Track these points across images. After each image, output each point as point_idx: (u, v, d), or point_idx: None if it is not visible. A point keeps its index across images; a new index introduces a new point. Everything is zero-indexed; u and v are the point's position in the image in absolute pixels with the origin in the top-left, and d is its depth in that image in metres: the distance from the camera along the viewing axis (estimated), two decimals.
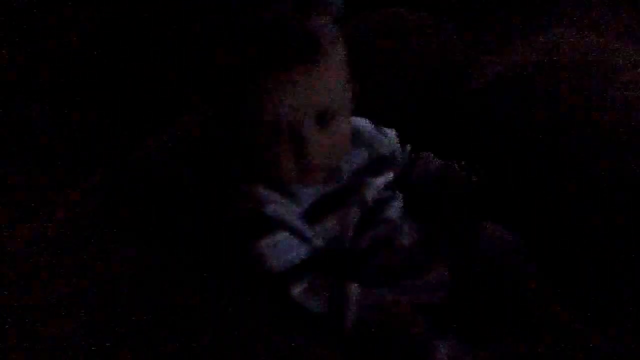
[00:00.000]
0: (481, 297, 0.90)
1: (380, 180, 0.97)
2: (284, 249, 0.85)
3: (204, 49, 0.96)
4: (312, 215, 0.90)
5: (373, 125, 1.04)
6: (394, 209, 0.97)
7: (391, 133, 1.06)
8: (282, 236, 0.86)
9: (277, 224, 0.86)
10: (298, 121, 0.85)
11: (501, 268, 0.92)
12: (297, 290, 0.84)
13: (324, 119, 0.86)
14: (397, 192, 0.99)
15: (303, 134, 0.85)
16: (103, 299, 0.81)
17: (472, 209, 1.03)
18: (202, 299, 0.83)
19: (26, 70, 1.41)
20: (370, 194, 0.95)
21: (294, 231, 0.87)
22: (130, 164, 1.02)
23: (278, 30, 0.84)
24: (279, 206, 0.87)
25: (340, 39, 0.89)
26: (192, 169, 0.98)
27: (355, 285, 0.85)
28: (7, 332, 0.77)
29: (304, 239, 0.88)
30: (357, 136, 0.99)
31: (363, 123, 1.03)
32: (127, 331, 0.77)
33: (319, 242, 0.89)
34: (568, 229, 0.99)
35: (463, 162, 1.06)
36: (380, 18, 1.24)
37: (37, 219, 0.94)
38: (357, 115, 1.00)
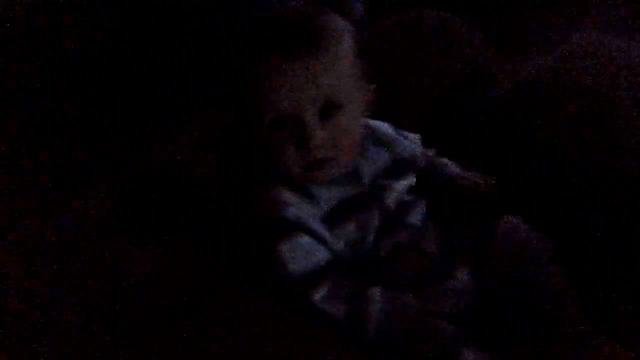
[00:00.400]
0: (503, 303, 0.89)
1: (402, 184, 0.97)
2: (303, 253, 0.85)
3: (212, 41, 0.96)
4: (333, 218, 0.89)
5: (394, 129, 1.04)
6: (417, 214, 0.96)
7: (414, 137, 1.05)
8: (302, 240, 0.85)
9: (297, 227, 0.86)
10: (300, 113, 0.85)
11: (521, 264, 0.91)
12: (318, 295, 0.83)
13: (327, 112, 0.86)
14: (419, 196, 0.99)
15: (305, 125, 0.85)
16: (115, 303, 0.81)
17: (490, 210, 1.02)
18: (220, 304, 0.83)
19: (36, 72, 1.42)
20: (391, 198, 0.94)
21: (314, 234, 0.86)
22: (149, 167, 1.02)
23: (282, 22, 0.86)
24: (299, 209, 0.87)
25: (350, 36, 0.90)
26: (212, 171, 0.98)
27: (377, 289, 0.85)
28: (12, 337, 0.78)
29: (324, 242, 0.87)
30: (377, 138, 0.99)
31: (384, 126, 1.03)
32: (138, 335, 0.78)
33: (339, 245, 0.89)
34: (591, 234, 0.99)
35: (477, 173, 1.05)
36: (406, 20, 1.23)
37: (47, 222, 0.94)
38: (378, 119, 1.01)
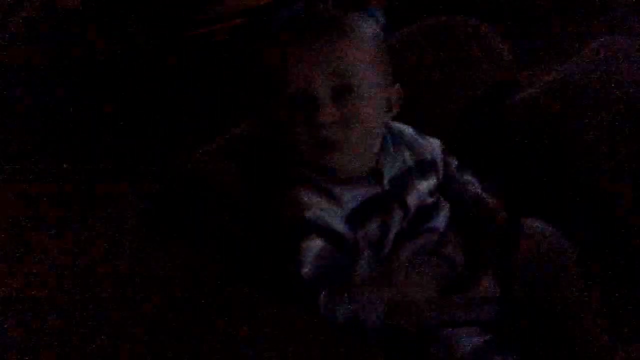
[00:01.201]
0: (529, 310, 0.89)
1: (424, 185, 0.97)
2: (319, 256, 0.85)
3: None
4: (356, 218, 0.90)
5: (417, 132, 1.04)
6: (440, 219, 0.96)
7: (435, 142, 1.05)
8: (320, 242, 0.86)
9: (317, 229, 0.86)
10: (312, 90, 0.87)
11: (547, 271, 0.90)
12: (322, 298, 0.83)
13: (340, 94, 0.88)
14: (442, 201, 0.98)
15: (316, 102, 0.87)
16: (149, 301, 0.83)
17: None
18: (245, 307, 0.83)
19: (73, 76, 1.44)
20: (412, 198, 0.94)
21: (335, 236, 0.87)
22: (175, 172, 1.03)
23: (305, 11, 0.92)
24: (321, 210, 0.87)
25: (372, 30, 0.93)
26: (235, 177, 0.99)
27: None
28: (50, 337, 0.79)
29: (345, 243, 0.87)
30: (400, 139, 0.99)
31: (407, 128, 1.03)
32: (166, 339, 0.79)
33: (361, 246, 0.89)
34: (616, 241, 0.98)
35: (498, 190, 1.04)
36: (430, 26, 1.23)
37: (80, 226, 0.96)
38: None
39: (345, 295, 0.84)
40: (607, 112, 1.07)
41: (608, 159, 1.03)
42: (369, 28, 0.93)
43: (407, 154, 0.99)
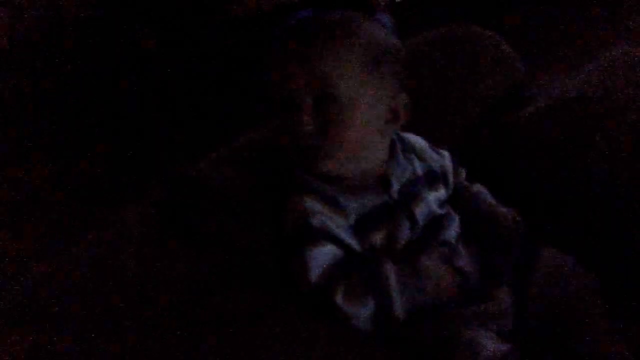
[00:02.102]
0: (545, 336, 0.87)
1: (433, 195, 0.95)
2: (326, 261, 0.84)
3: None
4: (362, 227, 0.88)
5: (426, 142, 1.02)
6: (451, 231, 0.94)
7: (445, 153, 1.03)
8: (326, 248, 0.84)
9: (322, 235, 0.85)
10: (295, 97, 0.86)
11: (565, 301, 0.89)
12: (338, 297, 0.82)
13: (323, 102, 0.87)
14: (453, 212, 0.97)
15: (301, 110, 0.86)
16: (158, 307, 0.82)
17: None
18: (253, 315, 0.82)
19: (85, 86, 1.44)
20: (420, 209, 0.92)
21: (339, 243, 0.85)
22: (180, 179, 1.02)
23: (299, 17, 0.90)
24: (326, 218, 0.86)
25: (369, 39, 0.90)
26: (243, 182, 0.98)
27: (389, 265, 0.84)
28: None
29: (349, 251, 0.86)
30: (409, 149, 0.98)
31: (416, 138, 1.02)
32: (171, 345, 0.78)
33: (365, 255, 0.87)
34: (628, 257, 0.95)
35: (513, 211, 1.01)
36: (438, 35, 1.21)
37: (84, 233, 0.95)
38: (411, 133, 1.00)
39: (364, 290, 0.82)
40: (625, 124, 1.05)
41: (626, 173, 1.01)
42: (368, 34, 0.90)
43: (417, 164, 0.97)
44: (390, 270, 0.84)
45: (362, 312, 0.82)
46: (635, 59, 1.17)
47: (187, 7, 1.53)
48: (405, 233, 0.90)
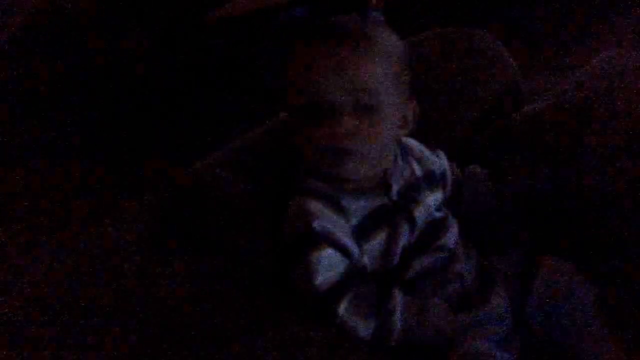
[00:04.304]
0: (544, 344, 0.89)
1: (431, 199, 0.96)
2: (328, 266, 0.84)
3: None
4: (363, 230, 0.89)
5: (423, 145, 1.03)
6: (450, 236, 0.94)
7: (441, 153, 1.04)
8: (328, 252, 0.85)
9: (324, 240, 0.85)
10: (334, 100, 0.86)
11: (564, 309, 0.90)
12: (341, 308, 0.83)
13: (361, 108, 0.87)
14: (452, 217, 0.97)
15: (337, 112, 0.86)
16: (153, 314, 0.82)
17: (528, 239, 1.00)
18: (252, 319, 0.82)
19: (82, 86, 1.43)
20: (419, 211, 0.93)
21: (340, 247, 0.86)
22: (178, 183, 1.01)
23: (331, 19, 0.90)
24: (328, 221, 0.86)
25: (395, 47, 0.92)
26: (243, 186, 0.97)
27: (399, 297, 0.85)
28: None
29: (350, 256, 0.86)
30: (408, 152, 0.99)
31: (414, 142, 1.02)
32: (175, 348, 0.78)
33: (365, 260, 0.88)
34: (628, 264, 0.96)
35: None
36: (434, 37, 1.21)
37: (82, 239, 0.94)
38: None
39: (369, 310, 0.84)
40: (617, 126, 1.06)
41: (619, 175, 1.02)
42: (394, 43, 0.93)
43: (415, 166, 0.98)
44: (398, 302, 0.85)
45: (361, 329, 0.84)
46: (629, 62, 1.18)
47: (180, 6, 1.52)
48: (404, 235, 0.90)
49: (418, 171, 0.97)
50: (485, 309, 0.88)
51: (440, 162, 1.02)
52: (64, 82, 1.46)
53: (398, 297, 0.86)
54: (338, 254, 0.85)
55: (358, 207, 0.90)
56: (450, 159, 1.05)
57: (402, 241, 0.90)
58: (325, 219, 0.86)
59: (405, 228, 0.91)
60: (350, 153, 0.88)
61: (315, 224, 0.86)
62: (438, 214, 0.96)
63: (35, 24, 1.57)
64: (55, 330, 0.81)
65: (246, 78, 1.47)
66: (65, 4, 1.50)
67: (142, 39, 1.50)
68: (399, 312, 0.84)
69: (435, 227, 0.94)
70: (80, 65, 1.47)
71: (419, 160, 0.99)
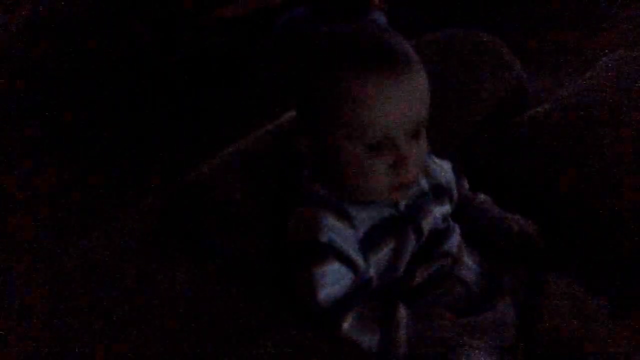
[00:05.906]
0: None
1: (439, 210, 0.94)
2: (334, 280, 0.83)
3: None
4: (369, 241, 0.87)
5: (428, 155, 1.00)
6: (452, 242, 0.93)
7: (446, 164, 1.02)
8: (334, 266, 0.83)
9: (330, 252, 0.84)
10: (397, 134, 0.82)
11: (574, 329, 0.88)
12: (346, 324, 0.82)
13: (417, 132, 0.84)
14: (454, 223, 0.96)
15: (402, 148, 0.82)
16: (154, 317, 0.82)
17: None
18: (253, 322, 0.83)
19: (82, 86, 1.42)
20: (427, 223, 0.92)
21: (346, 260, 0.84)
22: (180, 187, 1.00)
23: (371, 45, 0.83)
24: (335, 232, 0.85)
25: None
26: (246, 187, 0.96)
27: (404, 312, 0.84)
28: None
29: (356, 268, 0.85)
30: None
31: None
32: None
33: (371, 272, 0.87)
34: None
35: (519, 217, 1.00)
36: (438, 39, 1.20)
37: (84, 242, 0.94)
38: None
39: (373, 325, 0.83)
40: (623, 129, 1.05)
41: (627, 177, 1.00)
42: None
43: (423, 179, 0.96)
44: (403, 315, 0.84)
45: (365, 344, 0.83)
46: (634, 64, 1.16)
47: (182, 7, 1.51)
48: (411, 246, 0.89)
49: (426, 184, 0.95)
50: (489, 314, 0.87)
51: (446, 174, 1.00)
52: (64, 82, 1.46)
53: (402, 311, 0.85)
54: (344, 267, 0.84)
55: (366, 216, 0.88)
56: (454, 167, 1.04)
57: (408, 252, 0.89)
58: (333, 230, 0.85)
59: (412, 239, 0.90)
60: (410, 182, 0.86)
61: (322, 236, 0.84)
62: (442, 226, 0.94)
63: (36, 24, 1.57)
64: (56, 332, 0.81)
65: (246, 78, 1.46)
66: (66, 4, 1.50)
67: (142, 39, 1.49)
68: (403, 325, 0.83)
69: (438, 235, 0.93)
70: (80, 66, 1.47)
71: (427, 173, 0.97)
